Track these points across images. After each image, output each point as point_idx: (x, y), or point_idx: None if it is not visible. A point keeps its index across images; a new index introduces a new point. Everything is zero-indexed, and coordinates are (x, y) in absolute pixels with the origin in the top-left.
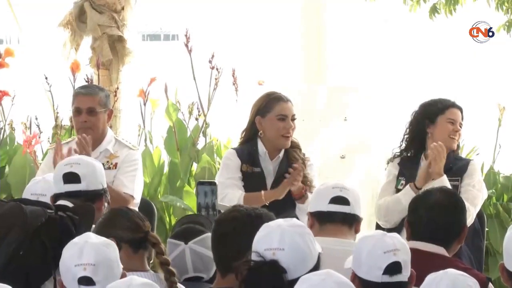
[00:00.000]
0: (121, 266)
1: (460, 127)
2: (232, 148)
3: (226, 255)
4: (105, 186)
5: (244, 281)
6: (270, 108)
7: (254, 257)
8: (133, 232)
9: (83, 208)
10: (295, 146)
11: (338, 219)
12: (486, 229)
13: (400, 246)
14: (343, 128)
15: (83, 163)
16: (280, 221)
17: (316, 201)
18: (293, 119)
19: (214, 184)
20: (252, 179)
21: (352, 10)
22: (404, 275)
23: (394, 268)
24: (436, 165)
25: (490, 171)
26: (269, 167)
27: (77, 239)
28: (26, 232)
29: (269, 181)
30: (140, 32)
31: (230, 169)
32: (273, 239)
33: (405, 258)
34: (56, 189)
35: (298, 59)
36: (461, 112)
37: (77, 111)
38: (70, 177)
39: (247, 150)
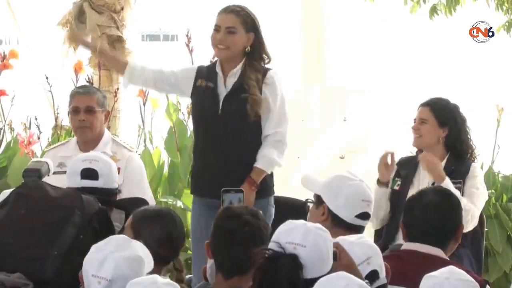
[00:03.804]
0: None
1: (423, 123)
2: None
3: (239, 258)
4: (118, 185)
5: (260, 268)
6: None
7: (273, 247)
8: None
9: (132, 202)
10: (253, 67)
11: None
12: (486, 229)
13: (372, 252)
14: (343, 129)
15: (102, 160)
16: (304, 221)
17: (342, 206)
18: (230, 32)
19: (241, 191)
20: (205, 93)
21: (351, 11)
22: (382, 278)
23: (372, 277)
24: (432, 172)
25: (489, 171)
26: (223, 82)
27: (104, 245)
28: (85, 217)
29: (222, 96)
30: (139, 33)
31: (181, 67)
32: (297, 234)
33: (379, 262)
34: (71, 183)
35: (297, 59)
36: (429, 106)
37: (75, 110)
38: (89, 173)
39: (207, 67)
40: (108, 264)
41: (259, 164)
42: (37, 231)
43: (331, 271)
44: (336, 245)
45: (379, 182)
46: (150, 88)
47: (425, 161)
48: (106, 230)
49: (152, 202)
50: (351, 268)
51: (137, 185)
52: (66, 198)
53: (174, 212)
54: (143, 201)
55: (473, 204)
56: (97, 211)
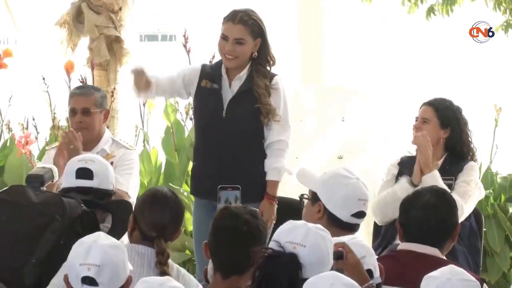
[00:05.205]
0: (129, 270)
1: (425, 122)
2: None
3: (237, 257)
4: (114, 188)
5: (260, 267)
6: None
7: (273, 246)
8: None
9: (118, 205)
10: (260, 73)
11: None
12: (484, 229)
13: (365, 252)
14: (341, 129)
15: (97, 161)
16: (305, 221)
17: (338, 205)
18: (238, 43)
19: (237, 188)
20: (209, 95)
21: (349, 11)
22: (377, 277)
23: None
24: (421, 155)
25: (488, 171)
26: (228, 85)
27: (86, 238)
28: (66, 221)
29: (227, 98)
30: (137, 33)
31: (186, 67)
32: (298, 234)
33: (373, 262)
34: (67, 183)
35: (295, 59)
36: (433, 107)
37: (72, 112)
38: (83, 173)
39: (211, 67)
40: (94, 251)
41: (272, 176)
42: (16, 239)
43: (338, 270)
44: (343, 245)
45: (410, 182)
46: (167, 97)
47: (419, 142)
48: (91, 232)
49: (134, 196)
50: (357, 268)
51: (122, 173)
52: (46, 203)
53: (173, 195)
54: (128, 205)
55: (461, 198)
56: (79, 214)
